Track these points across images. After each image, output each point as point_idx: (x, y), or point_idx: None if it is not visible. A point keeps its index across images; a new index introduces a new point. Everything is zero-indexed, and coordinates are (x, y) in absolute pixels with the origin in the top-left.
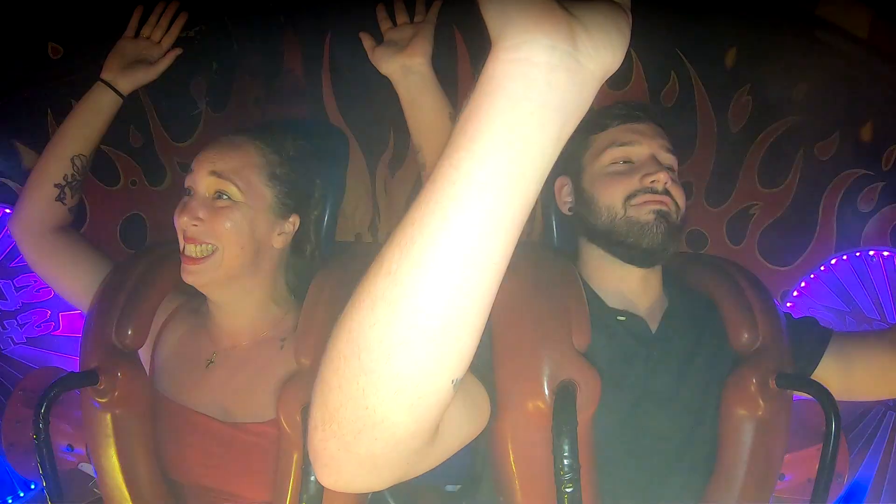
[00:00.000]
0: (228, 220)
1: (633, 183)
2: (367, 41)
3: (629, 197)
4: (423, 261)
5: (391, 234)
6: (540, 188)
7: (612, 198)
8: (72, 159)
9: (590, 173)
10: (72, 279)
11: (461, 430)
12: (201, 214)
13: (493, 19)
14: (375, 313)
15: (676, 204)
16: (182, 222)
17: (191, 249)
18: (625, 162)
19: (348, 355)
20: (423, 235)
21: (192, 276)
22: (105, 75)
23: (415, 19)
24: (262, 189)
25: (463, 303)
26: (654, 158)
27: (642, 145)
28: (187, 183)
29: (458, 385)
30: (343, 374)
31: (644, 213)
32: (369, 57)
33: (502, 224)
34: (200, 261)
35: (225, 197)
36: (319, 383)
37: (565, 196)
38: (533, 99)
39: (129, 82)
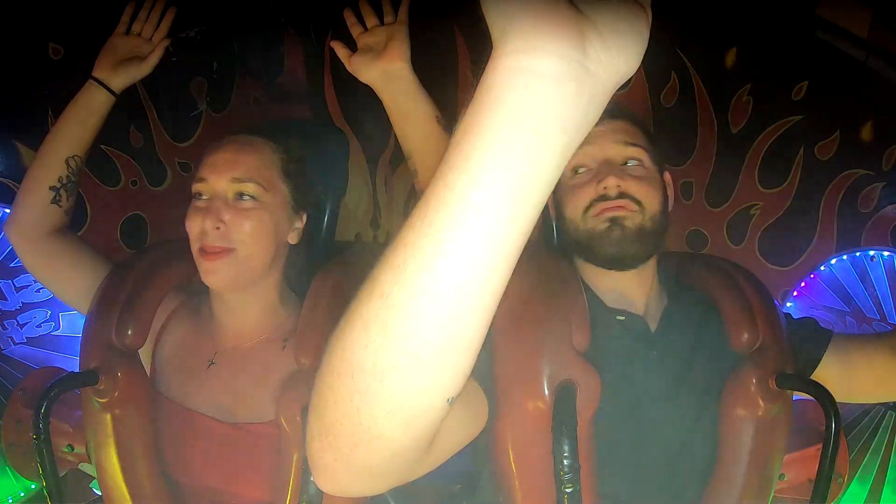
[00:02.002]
0: (252, 221)
1: (589, 192)
2: (340, 50)
3: (587, 208)
4: (417, 286)
5: (384, 255)
6: (542, 207)
7: (573, 211)
8: (66, 161)
9: (560, 185)
10: (70, 282)
11: (458, 436)
12: (225, 217)
13: (496, 19)
14: (368, 335)
15: (639, 203)
16: (206, 224)
17: (209, 248)
18: (577, 171)
19: (342, 373)
20: (416, 259)
21: (213, 275)
22: (97, 73)
23: (385, 21)
24: (280, 185)
25: (458, 327)
26: (606, 162)
27: (594, 146)
28: (200, 188)
29: (455, 400)
30: (337, 391)
31: (600, 222)
32: (346, 66)
33: (501, 248)
34: (219, 255)
35: (247, 197)
36: (316, 396)
37: (550, 207)
38: (536, 114)
39: (121, 79)
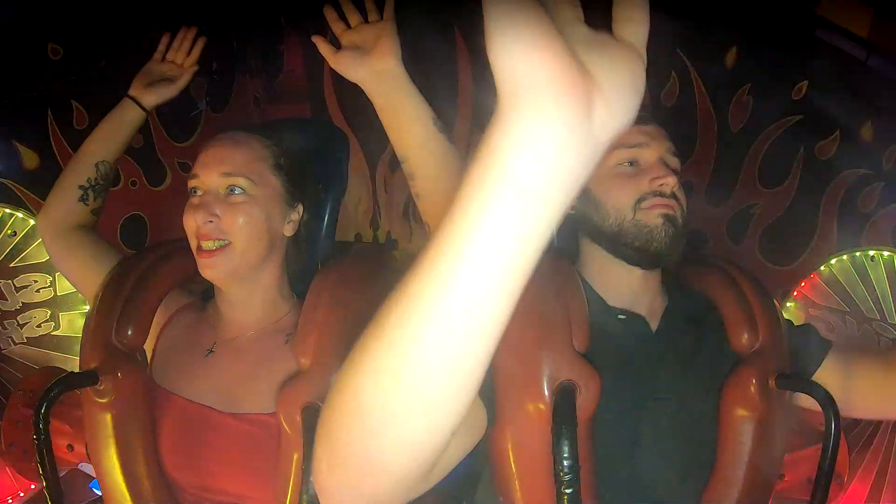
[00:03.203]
0: (243, 214)
1: (642, 186)
2: (323, 46)
3: (639, 200)
4: (422, 336)
5: (391, 300)
6: (538, 257)
7: (620, 200)
8: (96, 165)
9: (596, 174)
10: (91, 275)
11: (457, 453)
12: (217, 211)
13: (506, 77)
14: (377, 380)
15: (682, 208)
16: (198, 218)
17: (206, 245)
18: (631, 164)
19: (352, 412)
20: (420, 312)
21: (210, 269)
22: (132, 92)
23: (370, 19)
24: (271, 179)
25: (463, 371)
26: (661, 162)
27: (650, 148)
28: (193, 184)
29: (457, 428)
30: (348, 430)
31: (653, 216)
32: (331, 64)
33: (501, 299)
34: (215, 253)
35: (238, 191)
36: (324, 428)
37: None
38: (542, 181)
39: (152, 98)
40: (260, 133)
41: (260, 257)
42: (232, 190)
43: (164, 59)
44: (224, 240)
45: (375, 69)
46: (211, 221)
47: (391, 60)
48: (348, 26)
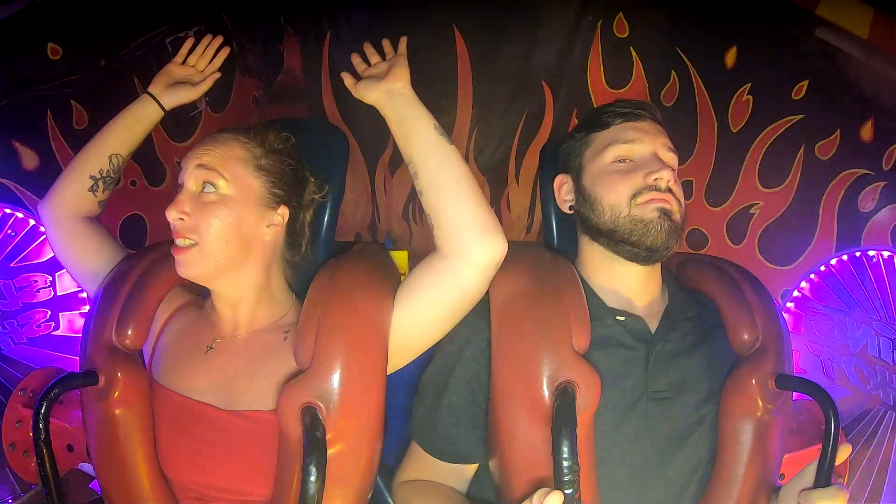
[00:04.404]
0: (214, 216)
1: (636, 181)
2: (347, 79)
3: (634, 195)
4: None
5: None
6: None
7: (616, 196)
8: (109, 157)
9: (591, 172)
10: (92, 266)
11: None
12: (187, 208)
13: None
14: None
15: (679, 202)
16: (170, 215)
17: (178, 242)
18: (626, 161)
19: None
20: None
21: (181, 267)
22: (151, 89)
23: (387, 58)
24: (249, 180)
25: None
26: (656, 156)
27: (644, 143)
28: (179, 180)
29: None
30: None
31: (648, 211)
32: (353, 92)
33: None
34: (183, 251)
35: (210, 189)
36: None
37: (565, 194)
38: None
39: (172, 99)
40: (245, 133)
41: (231, 260)
42: (206, 187)
43: (184, 62)
44: (192, 240)
45: (387, 89)
46: (181, 219)
47: (401, 82)
48: (368, 65)
